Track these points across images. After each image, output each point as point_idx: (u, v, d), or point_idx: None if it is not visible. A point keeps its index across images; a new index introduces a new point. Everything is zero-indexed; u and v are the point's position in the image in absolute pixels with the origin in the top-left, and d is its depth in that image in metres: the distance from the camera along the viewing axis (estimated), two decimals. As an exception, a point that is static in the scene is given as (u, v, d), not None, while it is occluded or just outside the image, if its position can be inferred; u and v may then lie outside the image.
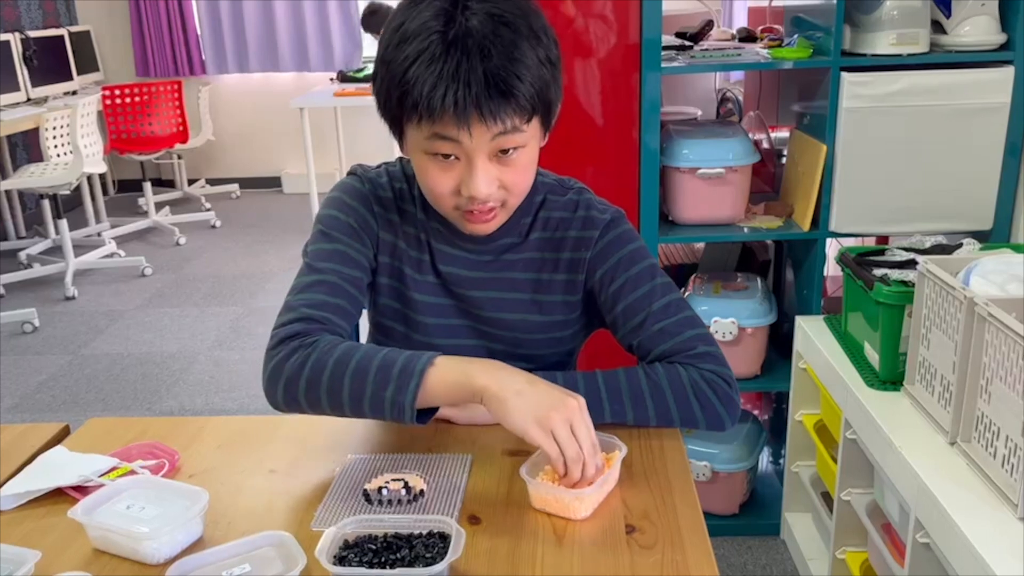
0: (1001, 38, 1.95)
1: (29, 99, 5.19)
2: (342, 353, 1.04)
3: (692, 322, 1.16)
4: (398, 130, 1.07)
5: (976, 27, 1.95)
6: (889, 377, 1.70)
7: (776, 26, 2.43)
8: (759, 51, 2.23)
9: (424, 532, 0.90)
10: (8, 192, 5.34)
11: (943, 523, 1.32)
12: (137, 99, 5.16)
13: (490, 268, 1.21)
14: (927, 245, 1.79)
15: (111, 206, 6.07)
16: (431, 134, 1.01)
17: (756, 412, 2.58)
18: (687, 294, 2.24)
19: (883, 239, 2.29)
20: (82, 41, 5.90)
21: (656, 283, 1.17)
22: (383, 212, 1.20)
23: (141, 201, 5.78)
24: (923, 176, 2.02)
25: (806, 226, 2.12)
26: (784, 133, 2.44)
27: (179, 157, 6.23)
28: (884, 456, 1.55)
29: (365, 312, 1.27)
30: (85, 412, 3.20)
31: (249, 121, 6.50)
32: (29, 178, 4.44)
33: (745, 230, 2.16)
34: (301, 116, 5.01)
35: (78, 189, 5.44)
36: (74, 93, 5.61)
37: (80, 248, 4.78)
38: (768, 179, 2.52)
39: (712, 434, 2.23)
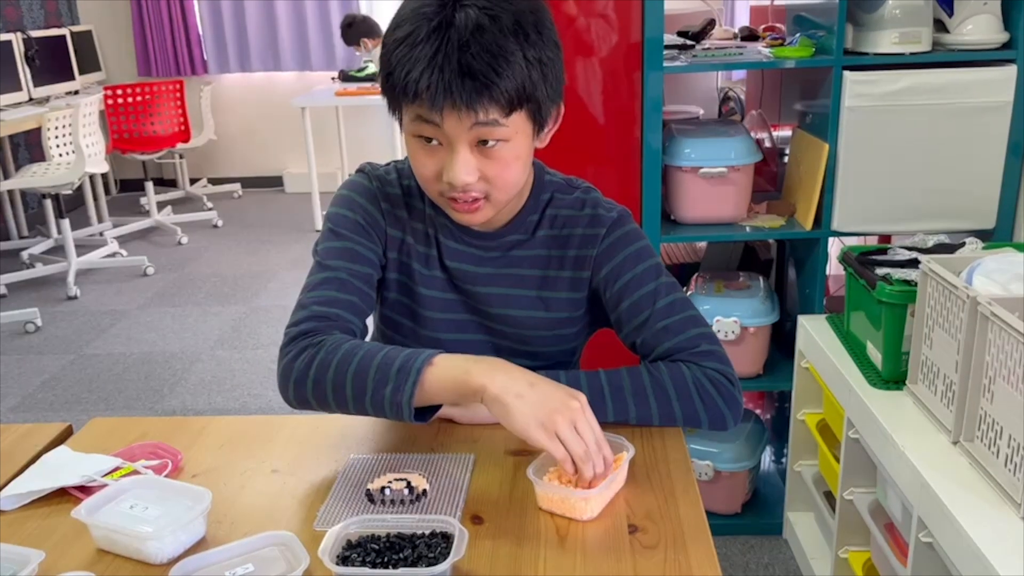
0: (1003, 37, 1.95)
1: (31, 99, 5.19)
2: (346, 352, 1.05)
3: (695, 321, 1.16)
4: (397, 112, 1.09)
5: (978, 26, 1.94)
6: (891, 376, 1.70)
7: (778, 25, 2.43)
8: (761, 50, 2.23)
9: (427, 532, 0.90)
10: (10, 192, 5.35)
11: (946, 522, 1.32)
12: (139, 99, 5.16)
13: (497, 264, 1.21)
14: (930, 244, 1.79)
15: (113, 206, 6.08)
16: (415, 116, 1.04)
17: (758, 411, 2.58)
18: (689, 293, 2.24)
19: (886, 238, 2.29)
20: (84, 41, 5.91)
21: (660, 282, 1.17)
22: (391, 208, 1.21)
23: (143, 201, 5.78)
24: (925, 175, 2.01)
25: (808, 225, 2.12)
26: (786, 132, 2.44)
27: (181, 156, 6.23)
28: (886, 455, 1.55)
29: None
30: (87, 412, 3.21)
31: (251, 120, 6.51)
32: (31, 178, 4.44)
33: (747, 229, 2.16)
34: (303, 115, 5.02)
35: (80, 189, 5.44)
36: (76, 93, 5.61)
37: (82, 248, 4.79)
38: (770, 178, 2.51)
39: (714, 433, 2.23)
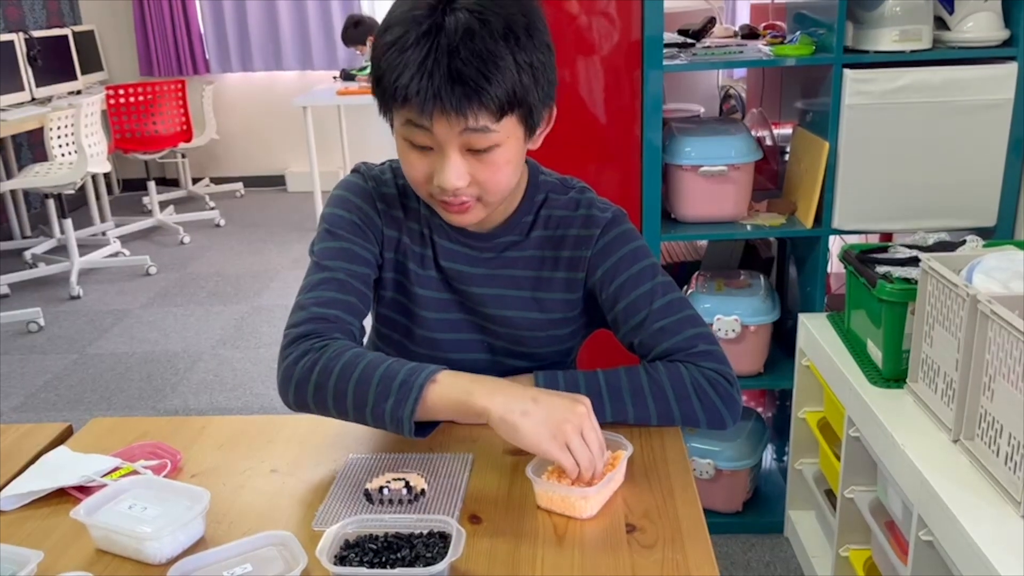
0: (1004, 34, 1.95)
1: (33, 99, 5.21)
2: (348, 360, 1.05)
3: (693, 321, 1.16)
4: (388, 115, 1.08)
5: (979, 23, 1.94)
6: (892, 374, 1.70)
7: (778, 23, 2.42)
8: (761, 48, 2.23)
9: (425, 532, 0.90)
10: (13, 192, 5.36)
11: (946, 521, 1.31)
12: (141, 98, 5.17)
13: (491, 265, 1.21)
14: (930, 242, 1.79)
15: (115, 205, 6.08)
16: (405, 120, 1.03)
17: (759, 410, 2.58)
18: (690, 292, 2.24)
19: (886, 236, 2.29)
20: (86, 41, 5.92)
21: (657, 282, 1.17)
22: (387, 208, 1.21)
23: (145, 200, 5.79)
24: (926, 173, 2.01)
25: (809, 223, 2.12)
26: (787, 130, 2.44)
27: (183, 156, 6.24)
28: (887, 454, 1.55)
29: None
30: (90, 411, 3.21)
31: (253, 120, 6.51)
32: (34, 178, 4.45)
33: (748, 227, 2.16)
34: (304, 115, 5.02)
35: (82, 188, 5.45)
36: (78, 93, 5.62)
37: (85, 247, 4.80)
38: (771, 176, 2.51)
39: (715, 432, 2.21)
